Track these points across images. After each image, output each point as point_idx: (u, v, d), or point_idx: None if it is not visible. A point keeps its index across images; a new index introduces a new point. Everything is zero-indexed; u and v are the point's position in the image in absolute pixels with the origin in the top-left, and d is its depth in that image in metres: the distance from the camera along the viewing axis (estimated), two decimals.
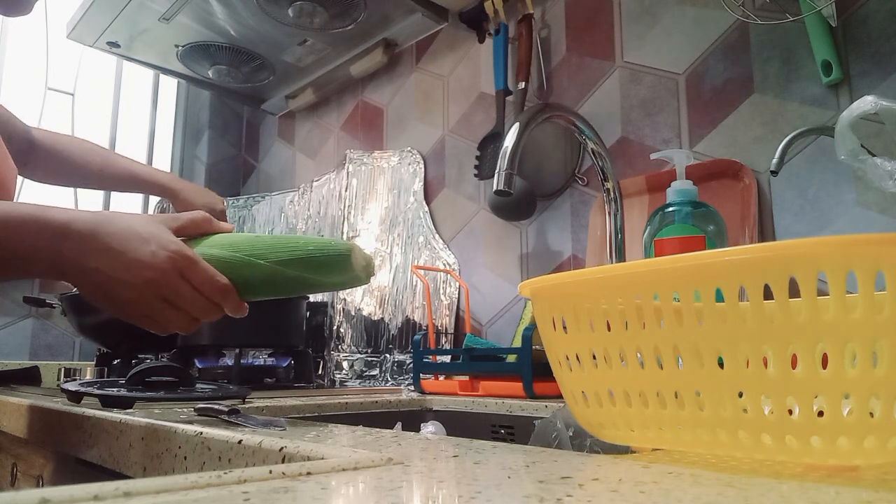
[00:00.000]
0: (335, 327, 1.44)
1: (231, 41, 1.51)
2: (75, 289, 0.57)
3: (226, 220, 1.04)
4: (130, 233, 0.55)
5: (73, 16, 1.45)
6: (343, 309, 1.43)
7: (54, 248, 0.54)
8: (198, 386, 0.79)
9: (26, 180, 1.02)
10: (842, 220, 0.82)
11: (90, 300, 0.57)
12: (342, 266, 0.58)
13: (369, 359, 1.37)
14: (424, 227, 1.38)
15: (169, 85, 2.01)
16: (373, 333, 1.38)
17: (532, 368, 0.84)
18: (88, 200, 1.81)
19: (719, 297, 0.31)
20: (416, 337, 1.05)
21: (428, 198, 1.41)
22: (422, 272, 1.30)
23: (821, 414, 0.30)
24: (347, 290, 1.43)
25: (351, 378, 1.37)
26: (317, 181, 1.67)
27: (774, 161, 0.74)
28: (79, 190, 1.78)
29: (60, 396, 0.83)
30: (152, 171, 1.05)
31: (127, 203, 1.88)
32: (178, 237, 0.58)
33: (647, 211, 1.00)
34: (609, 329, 0.37)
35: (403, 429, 0.89)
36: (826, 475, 0.30)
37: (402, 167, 1.46)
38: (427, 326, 1.15)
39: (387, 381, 1.31)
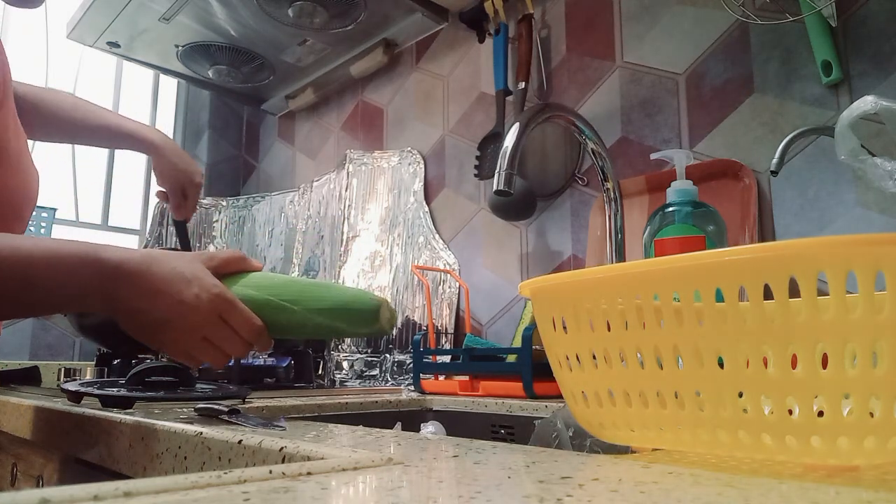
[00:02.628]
0: None
1: (231, 41, 1.51)
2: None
3: (199, 191, 1.03)
4: (175, 275, 0.57)
5: (73, 16, 1.45)
6: None
7: (109, 289, 0.56)
8: (198, 386, 0.79)
9: None
10: (842, 220, 0.82)
11: (133, 335, 0.59)
12: (371, 319, 0.62)
13: (369, 359, 1.37)
14: (424, 227, 1.38)
15: (169, 85, 2.01)
16: None
17: (532, 368, 0.84)
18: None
19: (719, 297, 0.31)
20: (416, 337, 1.05)
21: (428, 198, 1.41)
22: (422, 272, 1.30)
23: (821, 414, 0.30)
24: None
25: (351, 378, 1.37)
26: (317, 181, 1.67)
27: (774, 161, 0.74)
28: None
29: (60, 396, 0.83)
30: (140, 127, 1.03)
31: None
32: (216, 275, 0.61)
33: (647, 211, 1.00)
34: (609, 329, 0.36)
35: (403, 429, 0.89)
36: (826, 475, 0.30)
37: (402, 167, 1.46)
38: (427, 326, 1.15)
39: (387, 381, 1.31)
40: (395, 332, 1.34)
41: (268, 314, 0.61)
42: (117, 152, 1.86)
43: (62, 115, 0.98)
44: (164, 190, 1.08)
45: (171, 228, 1.79)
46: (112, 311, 0.58)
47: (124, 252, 0.58)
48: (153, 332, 0.58)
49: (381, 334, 0.64)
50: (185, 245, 1.14)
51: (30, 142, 0.97)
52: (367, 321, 0.61)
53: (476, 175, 1.28)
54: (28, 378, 1.26)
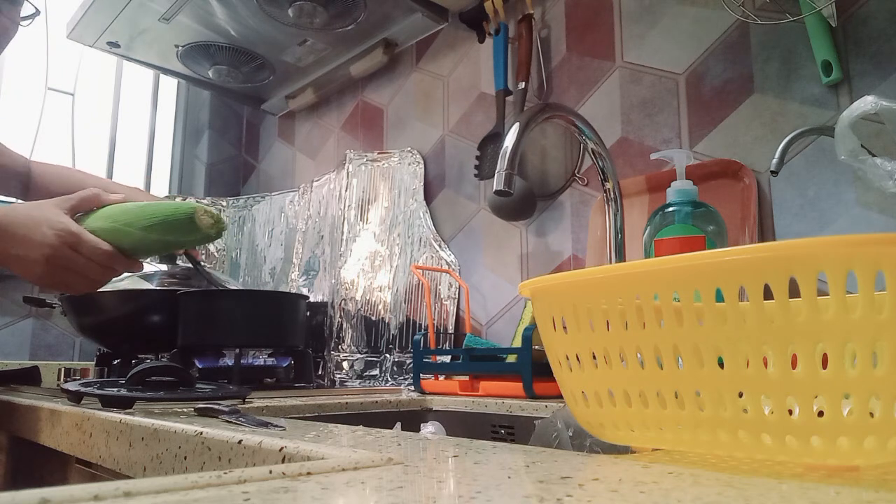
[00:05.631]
0: (335, 327, 1.44)
1: (231, 41, 1.51)
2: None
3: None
4: (29, 220, 0.69)
5: (73, 16, 1.45)
6: (343, 309, 1.43)
7: None
8: (198, 386, 0.79)
9: None
10: (842, 220, 0.82)
11: (25, 278, 0.72)
12: (190, 227, 0.70)
13: (369, 359, 1.37)
14: (424, 228, 1.38)
15: (169, 85, 2.01)
16: (373, 333, 1.38)
17: (532, 368, 0.84)
18: None
19: (719, 297, 0.31)
20: (416, 337, 1.05)
21: (428, 198, 1.41)
22: (422, 272, 1.30)
23: (821, 414, 0.30)
24: (348, 290, 1.43)
25: (351, 378, 1.37)
26: (317, 181, 1.67)
27: (774, 161, 0.74)
28: None
29: (60, 396, 0.83)
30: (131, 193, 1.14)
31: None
32: (74, 213, 0.71)
33: (647, 211, 1.00)
34: (609, 329, 0.36)
35: (403, 429, 0.89)
36: (826, 475, 0.30)
37: (402, 167, 1.46)
38: (427, 326, 1.15)
39: (387, 381, 1.31)
40: (395, 331, 1.34)
41: (114, 239, 0.70)
42: (117, 154, 1.88)
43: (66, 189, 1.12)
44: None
45: None
46: (3, 264, 0.72)
47: None
48: (28, 270, 0.71)
49: (209, 241, 0.72)
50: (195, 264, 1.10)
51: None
52: (187, 230, 0.69)
53: (476, 175, 1.28)
54: (28, 378, 1.26)
